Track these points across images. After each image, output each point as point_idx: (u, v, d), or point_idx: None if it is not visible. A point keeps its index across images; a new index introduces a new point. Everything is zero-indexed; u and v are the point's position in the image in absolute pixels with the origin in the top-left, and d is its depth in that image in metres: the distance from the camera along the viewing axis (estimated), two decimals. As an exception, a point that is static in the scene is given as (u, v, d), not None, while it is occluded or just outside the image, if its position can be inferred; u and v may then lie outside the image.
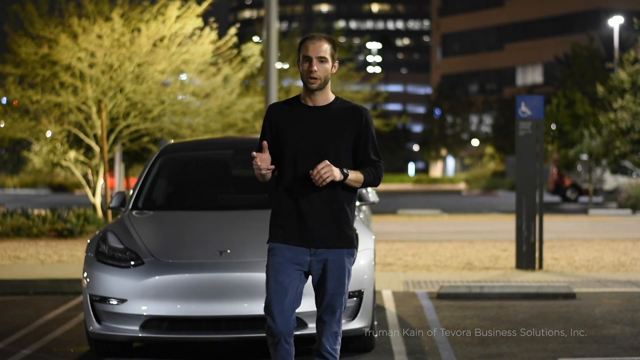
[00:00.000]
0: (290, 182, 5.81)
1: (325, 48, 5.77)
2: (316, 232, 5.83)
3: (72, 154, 23.00)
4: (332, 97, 5.86)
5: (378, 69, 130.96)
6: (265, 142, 5.72)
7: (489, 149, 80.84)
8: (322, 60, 5.76)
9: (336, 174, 5.68)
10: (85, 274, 8.40)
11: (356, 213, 9.29)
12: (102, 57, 21.56)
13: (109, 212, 20.00)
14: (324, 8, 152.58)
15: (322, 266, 5.87)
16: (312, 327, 7.93)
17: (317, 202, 5.79)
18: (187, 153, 10.15)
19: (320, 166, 5.62)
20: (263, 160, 5.69)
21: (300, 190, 5.79)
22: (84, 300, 8.38)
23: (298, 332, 7.93)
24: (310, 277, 5.98)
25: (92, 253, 8.48)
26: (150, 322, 8.08)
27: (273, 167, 5.73)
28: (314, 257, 5.86)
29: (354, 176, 5.77)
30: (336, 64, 5.83)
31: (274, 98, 17.57)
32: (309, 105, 5.84)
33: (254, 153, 5.69)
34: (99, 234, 8.68)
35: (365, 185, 5.83)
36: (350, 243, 5.90)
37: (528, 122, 14.47)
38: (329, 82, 5.83)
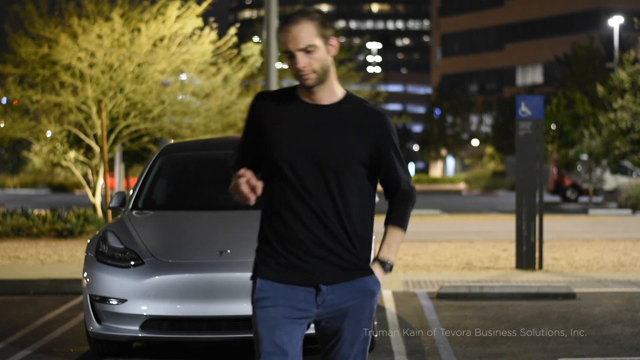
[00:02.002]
0: (283, 198, 4.15)
1: (307, 32, 4.12)
2: (326, 262, 4.17)
3: (72, 154, 23.01)
4: (340, 92, 4.18)
5: (378, 69, 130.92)
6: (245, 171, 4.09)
7: (489, 149, 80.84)
8: (308, 50, 4.11)
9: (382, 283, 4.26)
10: (85, 274, 8.40)
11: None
12: (102, 57, 21.56)
13: (109, 212, 20.00)
14: (324, 8, 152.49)
15: (337, 310, 4.20)
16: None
17: (324, 223, 4.15)
18: (187, 153, 10.15)
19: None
20: (252, 184, 4.06)
21: (299, 210, 4.14)
22: (84, 300, 8.38)
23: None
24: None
25: (92, 253, 8.48)
26: (150, 322, 8.08)
27: (260, 192, 4.06)
28: (325, 296, 4.19)
29: (395, 245, 4.27)
30: (334, 42, 4.15)
31: (274, 98, 17.53)
32: (306, 101, 4.16)
33: (242, 171, 4.06)
34: (99, 234, 8.68)
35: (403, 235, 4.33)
36: (365, 269, 4.24)
37: (528, 122, 14.47)
38: (332, 71, 4.14)
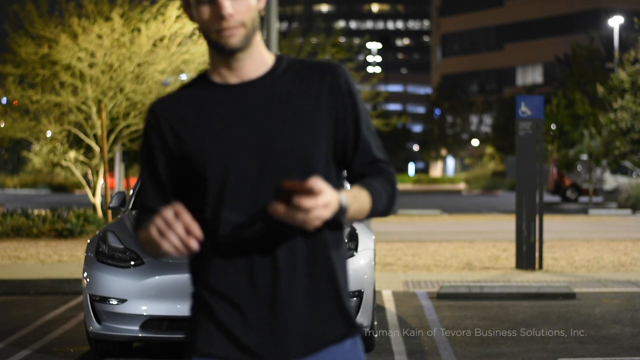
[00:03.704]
0: (226, 231, 2.77)
1: None
2: (293, 328, 2.77)
3: (72, 154, 23.01)
4: (269, 57, 2.85)
5: (378, 69, 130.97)
6: (178, 208, 2.61)
7: (489, 149, 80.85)
8: None
9: (332, 202, 2.60)
10: (85, 274, 8.40)
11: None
12: (102, 57, 21.56)
13: (109, 212, 20.00)
14: (324, 8, 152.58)
15: None
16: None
17: (285, 263, 2.76)
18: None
19: (307, 186, 2.53)
20: (185, 222, 2.61)
21: (248, 244, 2.76)
22: (84, 300, 8.38)
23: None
24: None
25: (92, 253, 8.48)
26: (150, 322, 8.08)
27: (199, 233, 2.61)
28: None
29: (357, 203, 2.72)
30: None
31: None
32: (228, 83, 2.82)
33: (176, 210, 2.61)
34: (99, 234, 8.68)
35: (373, 214, 2.81)
36: (353, 326, 2.86)
37: (528, 122, 14.47)
38: (259, 31, 2.84)
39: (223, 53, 2.76)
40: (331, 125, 2.78)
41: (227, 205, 2.75)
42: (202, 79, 2.84)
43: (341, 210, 2.63)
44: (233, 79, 2.80)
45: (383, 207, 2.80)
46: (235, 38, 2.73)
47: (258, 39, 2.80)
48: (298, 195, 2.51)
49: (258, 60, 2.81)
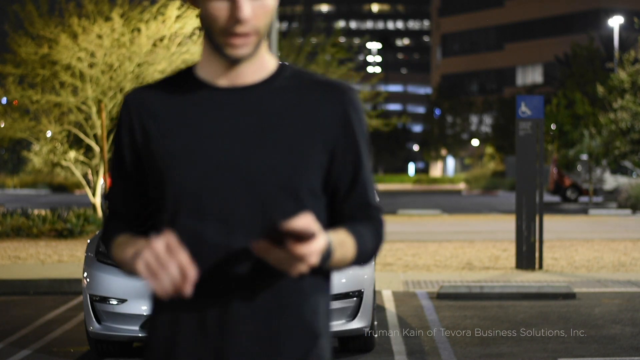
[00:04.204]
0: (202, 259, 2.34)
1: None
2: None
3: (72, 154, 23.01)
4: (271, 63, 2.43)
5: (378, 69, 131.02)
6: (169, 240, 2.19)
7: (489, 149, 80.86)
8: None
9: (323, 248, 2.22)
10: (85, 274, 8.41)
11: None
12: (102, 57, 21.57)
13: (109, 212, 19.99)
14: (324, 8, 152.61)
15: None
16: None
17: (262, 312, 2.35)
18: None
19: (309, 231, 2.14)
20: (181, 263, 2.19)
21: (221, 289, 2.34)
22: (84, 300, 8.38)
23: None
24: None
25: (92, 253, 8.48)
26: (150, 322, 8.08)
27: (193, 274, 2.19)
28: None
29: (342, 251, 2.33)
30: None
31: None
32: (216, 84, 2.39)
33: (168, 244, 2.19)
34: (98, 234, 8.68)
35: (350, 265, 2.40)
36: None
37: (528, 122, 14.47)
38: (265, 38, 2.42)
39: (225, 58, 2.32)
40: (326, 157, 2.35)
41: (197, 231, 2.30)
42: (188, 73, 2.40)
43: (326, 256, 2.23)
44: (223, 80, 2.35)
45: (363, 259, 2.40)
46: (246, 48, 2.29)
47: (264, 44, 2.38)
48: (293, 238, 2.10)
49: (257, 65, 2.36)
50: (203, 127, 2.33)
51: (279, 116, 2.33)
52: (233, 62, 2.32)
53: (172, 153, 2.33)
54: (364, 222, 2.40)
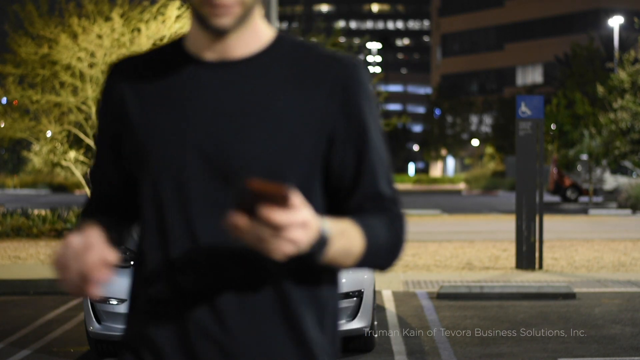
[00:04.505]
0: (176, 256, 2.09)
1: None
2: None
3: (72, 154, 23.01)
4: (267, 34, 2.14)
5: (378, 69, 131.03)
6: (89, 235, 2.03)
7: (489, 149, 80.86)
8: None
9: (312, 224, 1.85)
10: (85, 274, 8.39)
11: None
12: (102, 57, 21.57)
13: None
14: (324, 8, 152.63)
15: None
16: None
17: (249, 309, 2.04)
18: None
19: (282, 191, 1.80)
20: (91, 272, 2.02)
21: (202, 278, 2.05)
22: (84, 300, 8.38)
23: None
24: None
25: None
26: (150, 322, 8.08)
27: (107, 279, 2.06)
28: None
29: (344, 241, 1.96)
30: None
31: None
32: (204, 58, 2.13)
33: (87, 240, 2.01)
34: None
35: (364, 264, 2.05)
36: None
37: (528, 122, 14.47)
38: (260, 4, 2.13)
39: (209, 29, 2.05)
40: (323, 143, 2.03)
41: (163, 221, 2.07)
42: (177, 45, 2.15)
43: (320, 242, 1.86)
44: (210, 54, 2.09)
45: (379, 257, 2.02)
46: (227, 18, 2.02)
47: (255, 13, 2.09)
48: (268, 202, 1.77)
49: (249, 36, 2.08)
50: (185, 105, 2.07)
51: (270, 94, 2.04)
52: (219, 34, 2.05)
53: (151, 132, 2.09)
54: (376, 214, 2.04)
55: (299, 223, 1.80)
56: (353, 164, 2.05)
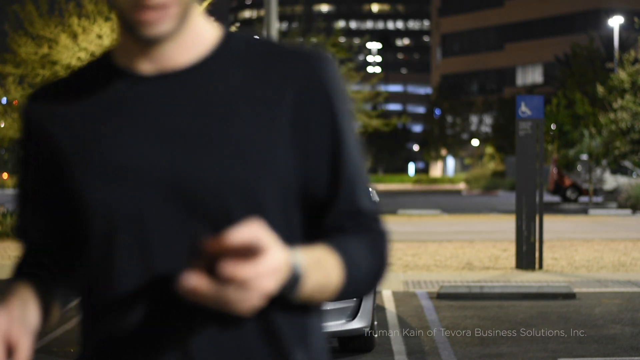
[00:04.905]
0: (110, 314, 1.72)
1: None
2: None
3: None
4: (211, 35, 1.76)
5: (378, 69, 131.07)
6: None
7: (489, 149, 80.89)
8: None
9: (281, 266, 1.53)
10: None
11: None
12: (102, 57, 21.60)
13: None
14: (324, 8, 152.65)
15: None
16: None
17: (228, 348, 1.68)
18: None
19: (241, 241, 1.48)
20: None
21: (140, 338, 1.69)
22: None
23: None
24: None
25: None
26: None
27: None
28: None
29: (320, 275, 1.63)
30: None
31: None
32: (140, 72, 1.73)
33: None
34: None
35: (341, 297, 1.73)
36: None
37: (528, 122, 14.47)
38: (194, 4, 1.73)
39: (140, 38, 1.67)
40: (292, 153, 1.68)
41: (115, 271, 1.69)
42: (104, 61, 1.77)
43: (292, 282, 1.56)
44: (147, 66, 1.71)
45: (359, 286, 1.76)
46: (164, 24, 1.65)
47: (194, 16, 1.73)
48: (228, 257, 1.46)
49: (191, 39, 1.72)
50: (125, 130, 1.69)
51: (226, 105, 1.68)
52: (152, 43, 1.68)
53: (90, 167, 1.70)
54: (356, 234, 1.72)
55: (269, 271, 1.48)
56: (329, 177, 1.71)
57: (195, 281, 1.47)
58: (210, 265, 1.48)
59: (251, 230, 1.47)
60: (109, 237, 1.70)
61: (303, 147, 1.69)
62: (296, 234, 1.71)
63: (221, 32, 1.76)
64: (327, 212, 1.72)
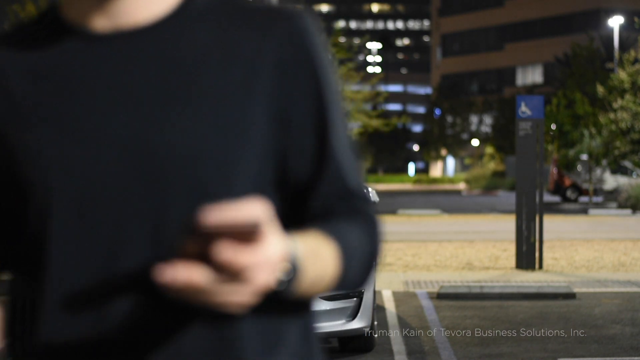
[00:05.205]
0: (55, 306, 1.39)
1: None
2: None
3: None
4: None
5: (378, 69, 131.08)
6: None
7: (489, 149, 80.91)
8: None
9: (279, 256, 1.25)
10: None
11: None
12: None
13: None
14: (324, 8, 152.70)
15: None
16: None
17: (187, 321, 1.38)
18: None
19: (248, 220, 1.19)
20: None
21: (89, 340, 1.38)
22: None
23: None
24: None
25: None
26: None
27: None
28: None
29: (317, 267, 1.36)
30: None
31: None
32: (93, 29, 1.44)
33: None
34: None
35: (335, 288, 1.43)
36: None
37: (528, 122, 14.47)
38: None
39: None
40: (271, 125, 1.43)
41: (60, 256, 1.39)
42: (50, 17, 1.48)
43: (289, 276, 1.31)
44: (101, 21, 1.43)
45: (355, 276, 1.46)
46: None
47: None
48: (224, 239, 1.19)
49: None
50: (77, 97, 1.41)
51: (194, 68, 1.42)
52: None
53: (33, 143, 1.42)
54: (349, 219, 1.45)
55: (268, 261, 1.23)
56: (314, 153, 1.45)
57: (186, 270, 1.19)
58: (200, 247, 1.20)
59: (253, 210, 1.20)
60: (45, 217, 1.39)
61: (284, 115, 1.43)
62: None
63: None
64: (313, 192, 1.46)
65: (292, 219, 1.46)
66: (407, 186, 79.45)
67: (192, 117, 1.40)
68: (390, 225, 26.15)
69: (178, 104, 1.40)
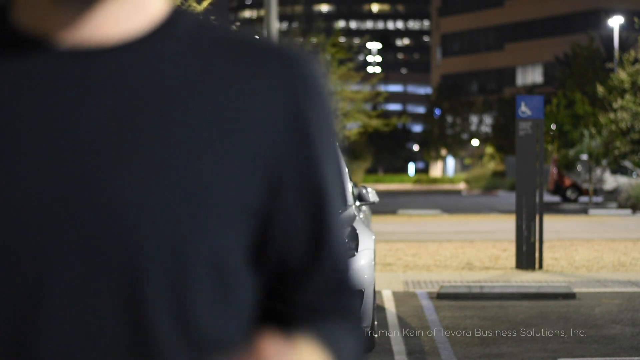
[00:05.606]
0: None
1: None
2: None
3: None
4: (156, 6, 1.12)
5: (378, 69, 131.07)
6: None
7: (489, 149, 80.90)
8: None
9: None
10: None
11: (355, 213, 9.29)
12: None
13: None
14: (324, 8, 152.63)
15: None
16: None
17: None
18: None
19: None
20: None
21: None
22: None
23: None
24: None
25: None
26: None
27: None
28: None
29: None
30: None
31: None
32: (50, 42, 1.08)
33: None
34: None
35: None
36: None
37: (528, 122, 14.47)
38: None
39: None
40: (260, 191, 1.11)
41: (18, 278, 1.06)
42: (9, 25, 1.12)
43: None
44: (63, 33, 1.10)
45: None
46: None
47: None
48: None
49: (126, 5, 1.11)
50: (21, 131, 1.08)
51: (162, 100, 1.10)
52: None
53: None
54: (341, 324, 1.19)
55: None
56: (305, 234, 1.15)
57: None
58: None
59: (275, 352, 1.01)
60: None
61: (276, 186, 1.12)
62: (239, 315, 1.11)
63: (170, 6, 1.16)
64: (305, 284, 1.17)
65: (266, 312, 1.17)
66: (407, 186, 79.45)
67: (146, 170, 1.07)
68: (390, 225, 26.15)
69: (143, 154, 1.08)
